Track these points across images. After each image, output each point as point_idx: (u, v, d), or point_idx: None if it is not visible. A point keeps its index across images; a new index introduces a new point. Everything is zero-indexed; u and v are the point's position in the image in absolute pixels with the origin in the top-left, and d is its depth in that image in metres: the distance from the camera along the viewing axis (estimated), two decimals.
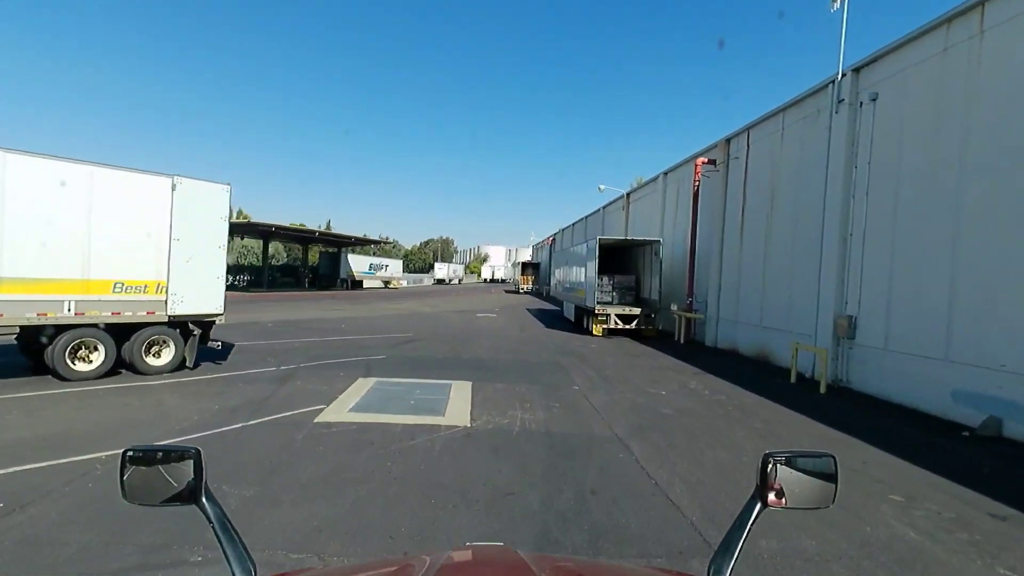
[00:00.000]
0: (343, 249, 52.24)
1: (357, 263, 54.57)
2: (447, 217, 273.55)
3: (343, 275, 51.92)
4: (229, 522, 1.18)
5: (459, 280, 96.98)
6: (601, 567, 2.00)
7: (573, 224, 47.37)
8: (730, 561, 1.16)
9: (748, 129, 15.99)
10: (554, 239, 58.16)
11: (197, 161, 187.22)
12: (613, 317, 18.84)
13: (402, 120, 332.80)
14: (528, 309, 33.56)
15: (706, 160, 18.10)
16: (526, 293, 58.68)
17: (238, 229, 36.03)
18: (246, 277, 44.92)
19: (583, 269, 21.11)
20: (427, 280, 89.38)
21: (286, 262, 54.68)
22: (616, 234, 28.16)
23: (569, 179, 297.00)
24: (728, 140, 17.23)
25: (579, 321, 22.17)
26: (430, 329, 19.12)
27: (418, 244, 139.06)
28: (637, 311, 18.88)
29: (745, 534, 1.18)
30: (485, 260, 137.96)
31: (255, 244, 63.53)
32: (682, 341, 18.14)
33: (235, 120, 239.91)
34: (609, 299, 20.76)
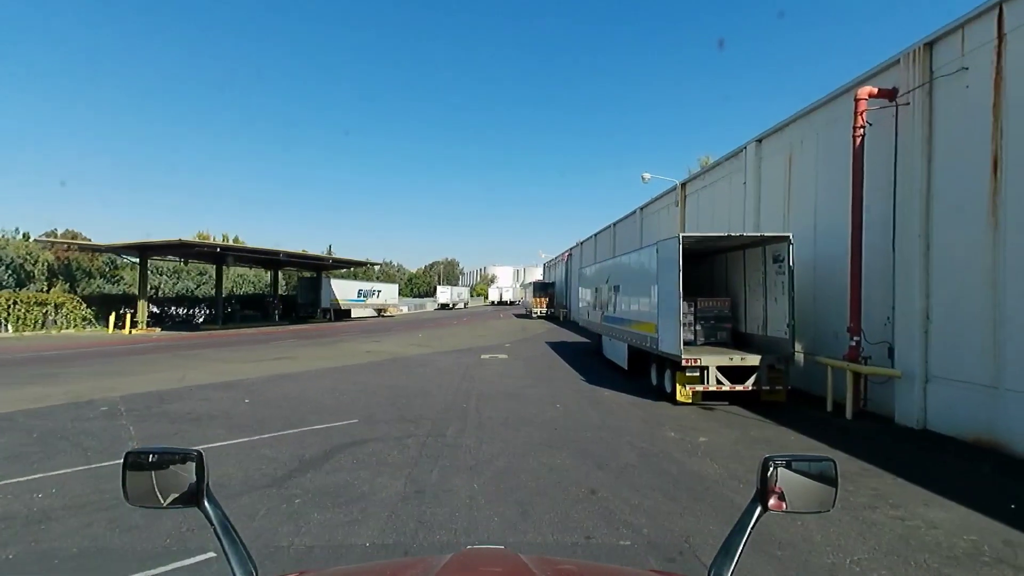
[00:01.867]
0: (324, 273, 44.61)
1: (342, 289, 46.91)
2: (452, 240, 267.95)
3: (325, 303, 44.22)
4: (230, 524, 1.16)
5: (464, 304, 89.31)
6: (601, 569, 1.96)
7: (596, 234, 39.55)
8: (730, 564, 1.13)
9: (999, 4, 8.13)
10: (570, 254, 50.40)
11: (192, 189, 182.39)
12: (713, 372, 10.80)
13: (403, 144, 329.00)
14: (549, 343, 25.54)
15: (876, 92, 10.23)
16: (540, 317, 50.65)
17: (170, 251, 28.39)
18: (204, 311, 37.24)
19: (646, 288, 13.19)
20: (430, 305, 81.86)
21: (256, 291, 46.90)
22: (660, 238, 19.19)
23: (576, 198, 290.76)
24: (930, 45, 9.37)
25: (639, 369, 14.23)
26: (399, 400, 11.18)
27: (422, 267, 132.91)
28: (755, 361, 10.83)
29: (745, 538, 1.16)
30: (492, 281, 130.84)
31: (249, 272, 55.87)
32: (849, 415, 10.04)
33: (229, 149, 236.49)
34: (691, 337, 12.82)
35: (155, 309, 34.64)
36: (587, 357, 20.06)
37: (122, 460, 1.20)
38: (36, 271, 54.44)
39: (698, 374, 10.91)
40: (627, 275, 15.10)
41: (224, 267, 36.29)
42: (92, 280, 57.13)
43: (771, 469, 1.20)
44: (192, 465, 1.18)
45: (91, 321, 29.21)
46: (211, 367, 15.94)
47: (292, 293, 48.18)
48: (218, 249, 27.51)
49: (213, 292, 46.91)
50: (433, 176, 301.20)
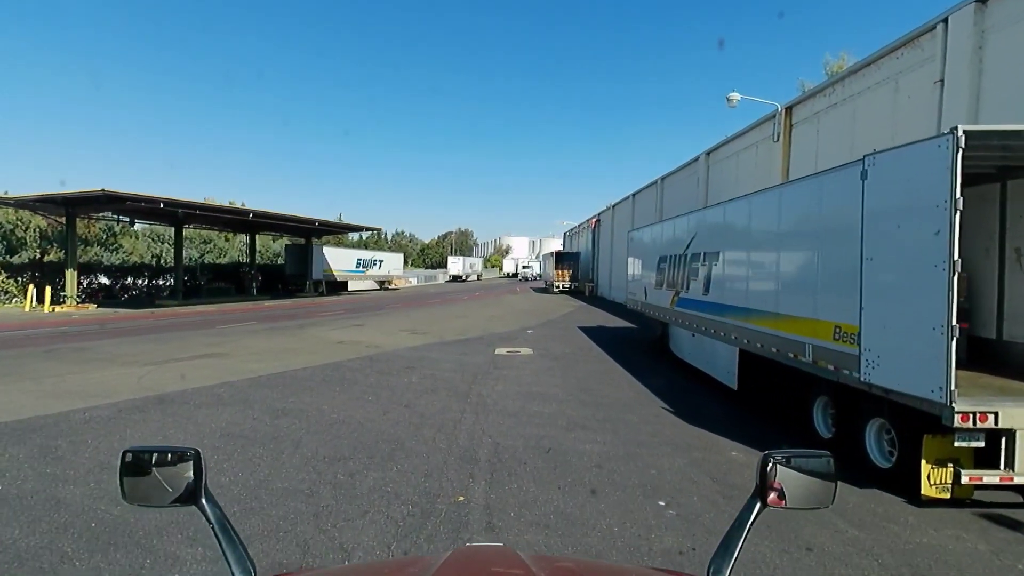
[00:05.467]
0: (314, 240, 38.82)
1: (338, 258, 41.21)
2: (467, 212, 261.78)
3: (317, 275, 38.56)
4: (229, 523, 1.16)
5: (477, 276, 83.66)
6: (601, 567, 1.94)
7: (634, 194, 33.11)
8: (730, 561, 1.13)
9: None
10: (599, 220, 44.07)
11: (202, 165, 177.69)
12: (1023, 445, 4.79)
13: (420, 115, 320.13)
14: (584, 329, 19.58)
15: None
16: (562, 292, 44.59)
17: (99, 205, 22.43)
18: (167, 282, 31.61)
19: (806, 254, 7.13)
20: (441, 277, 76.35)
21: (234, 259, 41.03)
22: (734, 194, 10.75)
23: (595, 172, 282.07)
24: None
25: (762, 391, 8.37)
26: (329, 478, 5.34)
27: (436, 238, 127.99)
28: None
29: (745, 534, 1.16)
30: (507, 252, 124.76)
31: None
32: None
33: (244, 124, 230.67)
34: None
35: (105, 280, 29.26)
36: (646, 356, 14.11)
37: (119, 460, 1.18)
38: (28, 237, 49.19)
39: (982, 444, 4.90)
40: (748, 232, 8.92)
41: (183, 230, 30.21)
42: (89, 248, 52.16)
43: (770, 465, 1.18)
44: (190, 464, 1.16)
45: (14, 294, 23.79)
46: (75, 376, 10.25)
47: (280, 263, 42.62)
48: (161, 205, 21.57)
49: (240, 260, 41.57)
50: (450, 147, 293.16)
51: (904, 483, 5.33)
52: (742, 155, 17.77)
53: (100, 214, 26.20)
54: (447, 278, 75.37)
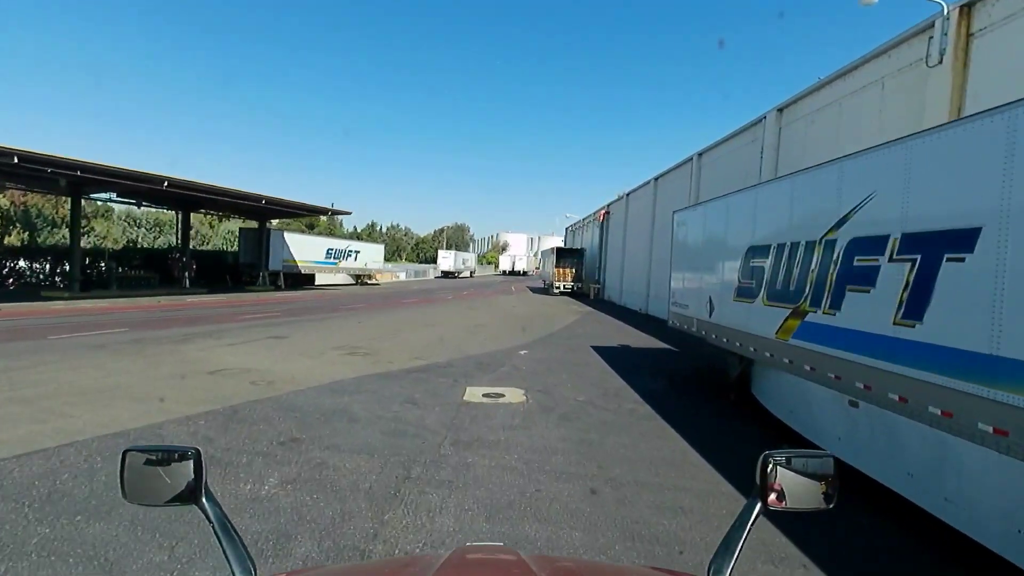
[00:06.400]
0: (270, 223, 32.79)
1: (304, 247, 35.24)
2: (465, 207, 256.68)
3: (275, 266, 32.59)
4: (229, 522, 1.15)
5: (471, 272, 77.80)
6: (601, 567, 1.89)
7: (656, 178, 27.19)
8: (730, 561, 1.11)
9: None
10: (608, 211, 38.20)
11: (198, 158, 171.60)
12: None
13: (420, 113, 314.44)
14: (599, 351, 13.64)
15: None
16: (564, 294, 38.76)
17: None
18: (61, 266, 25.57)
19: None
20: (432, 272, 70.64)
21: (219, 247, 34.84)
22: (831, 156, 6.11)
23: (589, 175, 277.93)
24: None
25: None
26: None
27: (432, 232, 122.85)
28: None
29: (745, 534, 1.14)
30: (504, 249, 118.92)
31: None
32: None
33: (243, 115, 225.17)
34: None
35: None
36: (724, 412, 8.27)
37: (120, 458, 1.15)
38: None
39: None
40: None
41: (80, 201, 23.96)
42: (56, 229, 46.08)
43: (770, 466, 1.16)
44: (190, 463, 1.14)
45: None
46: None
47: (207, 248, 36.73)
48: (15, 159, 15.29)
49: (224, 248, 35.44)
50: (450, 145, 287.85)
51: None
52: (847, 103, 11.91)
53: None
54: (437, 274, 69.56)
